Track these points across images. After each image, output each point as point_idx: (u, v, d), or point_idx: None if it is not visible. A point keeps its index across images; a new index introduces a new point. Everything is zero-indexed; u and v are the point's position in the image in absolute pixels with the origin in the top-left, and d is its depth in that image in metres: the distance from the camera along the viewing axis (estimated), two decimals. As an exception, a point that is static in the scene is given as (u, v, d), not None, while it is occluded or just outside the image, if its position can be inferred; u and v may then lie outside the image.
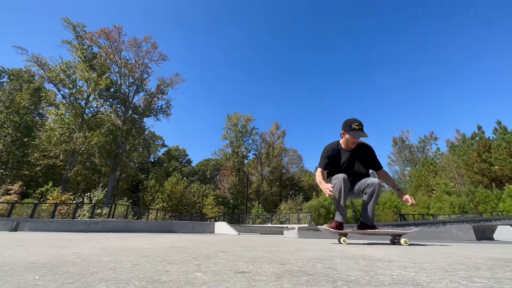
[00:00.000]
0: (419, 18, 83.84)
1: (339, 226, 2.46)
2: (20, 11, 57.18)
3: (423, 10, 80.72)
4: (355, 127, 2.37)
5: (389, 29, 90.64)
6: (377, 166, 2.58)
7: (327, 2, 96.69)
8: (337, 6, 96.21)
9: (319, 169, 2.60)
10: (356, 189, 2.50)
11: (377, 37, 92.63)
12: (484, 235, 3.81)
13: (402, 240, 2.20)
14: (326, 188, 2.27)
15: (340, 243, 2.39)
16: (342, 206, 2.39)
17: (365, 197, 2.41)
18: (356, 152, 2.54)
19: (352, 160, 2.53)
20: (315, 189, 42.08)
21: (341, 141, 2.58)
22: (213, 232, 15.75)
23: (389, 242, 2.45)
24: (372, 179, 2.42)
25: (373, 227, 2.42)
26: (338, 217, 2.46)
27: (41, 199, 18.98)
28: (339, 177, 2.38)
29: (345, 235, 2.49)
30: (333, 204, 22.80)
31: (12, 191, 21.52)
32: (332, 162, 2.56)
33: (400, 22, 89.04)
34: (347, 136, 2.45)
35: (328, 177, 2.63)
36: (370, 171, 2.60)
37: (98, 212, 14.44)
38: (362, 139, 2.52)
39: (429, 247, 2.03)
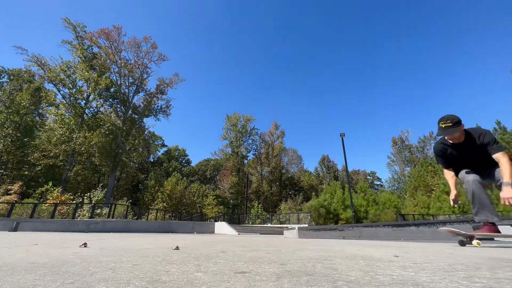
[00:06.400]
0: (419, 17, 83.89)
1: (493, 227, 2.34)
2: (20, 11, 57.16)
3: (424, 9, 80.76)
4: (441, 125, 2.38)
5: (389, 29, 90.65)
6: (490, 153, 2.40)
7: (327, 2, 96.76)
8: (337, 5, 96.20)
9: (444, 170, 2.69)
10: (497, 176, 2.40)
11: (377, 36, 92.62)
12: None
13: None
14: (451, 199, 2.50)
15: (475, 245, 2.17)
16: (484, 204, 2.39)
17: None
18: (467, 143, 2.45)
19: (467, 152, 2.47)
20: (315, 189, 42.08)
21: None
22: (213, 232, 15.75)
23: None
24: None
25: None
26: (483, 217, 2.39)
27: (41, 199, 18.98)
28: (469, 180, 2.38)
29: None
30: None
31: (12, 191, 21.54)
32: (448, 159, 2.59)
33: (400, 21, 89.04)
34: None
35: (456, 175, 2.65)
36: None
37: (98, 212, 14.44)
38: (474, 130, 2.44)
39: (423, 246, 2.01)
